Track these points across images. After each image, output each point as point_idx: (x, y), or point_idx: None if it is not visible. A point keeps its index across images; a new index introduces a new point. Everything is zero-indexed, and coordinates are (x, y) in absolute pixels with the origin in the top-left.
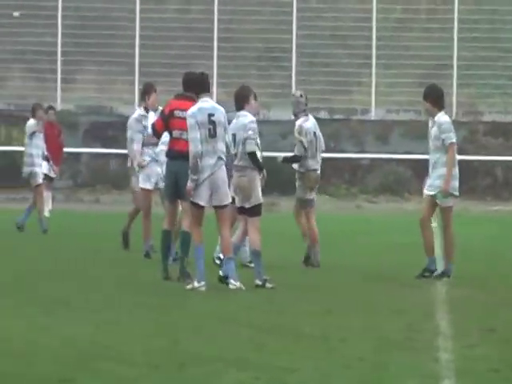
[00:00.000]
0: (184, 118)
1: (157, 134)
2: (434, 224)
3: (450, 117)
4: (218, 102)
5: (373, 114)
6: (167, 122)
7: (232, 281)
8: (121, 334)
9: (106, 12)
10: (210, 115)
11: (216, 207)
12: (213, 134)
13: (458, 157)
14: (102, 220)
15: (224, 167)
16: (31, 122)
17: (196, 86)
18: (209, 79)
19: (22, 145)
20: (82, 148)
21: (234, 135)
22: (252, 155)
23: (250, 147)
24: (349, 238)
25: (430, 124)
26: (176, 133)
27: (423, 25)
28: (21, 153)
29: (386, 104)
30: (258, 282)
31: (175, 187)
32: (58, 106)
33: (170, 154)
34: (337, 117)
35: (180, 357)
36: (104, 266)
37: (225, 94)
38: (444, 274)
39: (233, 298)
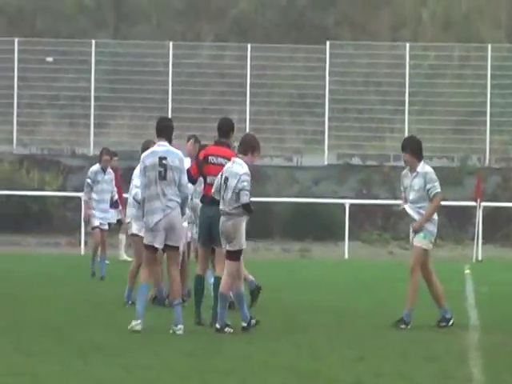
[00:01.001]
0: (218, 164)
1: (192, 179)
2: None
3: (483, 162)
4: None
5: None
6: (202, 167)
7: (179, 326)
8: (151, 379)
9: (140, 57)
10: (162, 158)
11: (167, 247)
12: (163, 177)
13: (492, 203)
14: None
15: (178, 209)
16: (96, 167)
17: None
18: (168, 123)
19: (55, 189)
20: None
21: (226, 179)
22: (246, 206)
23: (245, 199)
24: (382, 284)
25: (409, 175)
26: (210, 178)
27: (456, 71)
28: (53, 198)
29: None
30: (218, 326)
31: (209, 233)
32: (91, 151)
33: (205, 199)
34: (369, 163)
35: None
36: (129, 310)
37: (258, 139)
38: (402, 320)
39: (262, 342)
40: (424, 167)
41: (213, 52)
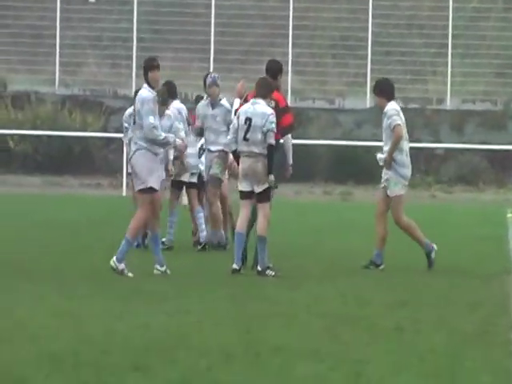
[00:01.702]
0: (272, 108)
1: None
2: (510, 215)
3: None
4: (293, 90)
5: (448, 104)
6: None
7: (115, 259)
8: (192, 323)
9: None
10: (133, 105)
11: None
12: (133, 122)
13: None
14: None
15: (142, 152)
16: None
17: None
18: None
19: (97, 130)
20: None
21: (249, 120)
22: (272, 148)
23: (272, 140)
24: (423, 228)
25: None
26: None
27: (500, 14)
28: (95, 139)
29: (461, 94)
30: (259, 268)
31: None
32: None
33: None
34: (412, 106)
35: (253, 346)
36: (171, 256)
37: (300, 81)
38: (372, 263)
39: (306, 287)
40: (388, 106)
41: None
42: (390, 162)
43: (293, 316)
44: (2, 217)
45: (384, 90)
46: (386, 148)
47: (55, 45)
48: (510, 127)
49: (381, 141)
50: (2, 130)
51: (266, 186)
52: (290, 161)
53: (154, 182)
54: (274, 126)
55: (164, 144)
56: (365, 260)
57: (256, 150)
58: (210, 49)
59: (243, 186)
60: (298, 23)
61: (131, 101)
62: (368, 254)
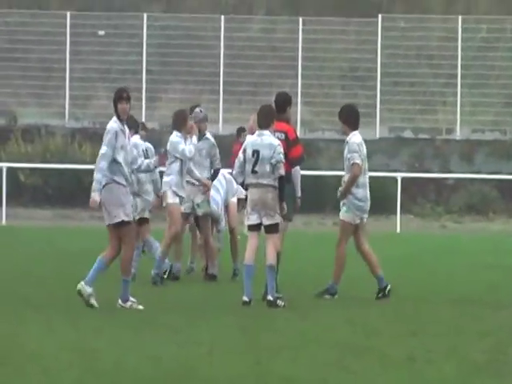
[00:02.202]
0: (282, 140)
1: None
2: None
3: None
4: (302, 121)
5: (458, 134)
6: None
7: (120, 301)
8: (203, 355)
9: (191, 31)
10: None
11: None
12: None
13: None
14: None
15: (110, 186)
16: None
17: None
18: None
19: None
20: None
21: (256, 152)
22: (282, 179)
23: (282, 171)
24: (434, 257)
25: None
26: None
27: (509, 44)
28: None
29: (471, 123)
30: (270, 298)
31: None
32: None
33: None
34: (422, 136)
35: (263, 377)
36: (183, 286)
37: (309, 112)
38: (327, 291)
39: (315, 318)
40: (351, 137)
41: (264, 25)
42: (345, 195)
43: (302, 347)
44: (13, 248)
45: (348, 119)
46: (345, 178)
47: (65, 78)
48: None
49: (391, 171)
50: (13, 164)
51: (275, 220)
52: (299, 193)
53: (125, 215)
54: (282, 156)
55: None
56: (373, 289)
57: (264, 181)
58: (219, 81)
59: (252, 220)
60: (306, 54)
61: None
62: (376, 284)
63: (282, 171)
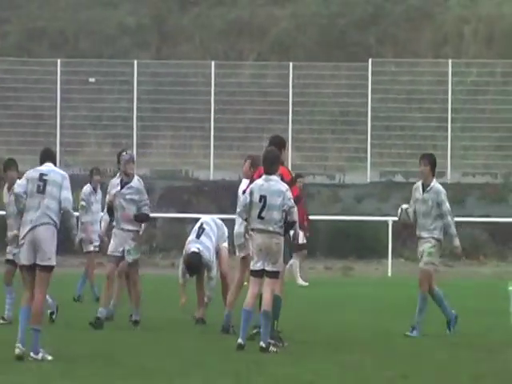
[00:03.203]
0: None
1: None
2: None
3: None
4: (293, 166)
5: (448, 177)
6: None
7: (32, 354)
8: None
9: (182, 77)
10: (43, 174)
11: (37, 267)
12: (41, 190)
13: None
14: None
15: (50, 226)
16: (88, 188)
17: None
18: (52, 151)
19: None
20: (158, 213)
21: (264, 198)
22: (294, 224)
23: (295, 217)
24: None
25: None
26: None
27: (499, 87)
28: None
29: (461, 167)
30: (263, 345)
31: None
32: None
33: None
34: (412, 180)
35: None
36: (178, 331)
37: (300, 157)
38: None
39: (307, 363)
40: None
41: (255, 71)
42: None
43: None
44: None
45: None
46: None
47: (56, 125)
48: (511, 200)
49: (382, 215)
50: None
51: (278, 267)
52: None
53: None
54: (293, 201)
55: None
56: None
57: (270, 228)
58: (210, 126)
59: (256, 265)
60: (297, 99)
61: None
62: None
63: (296, 217)
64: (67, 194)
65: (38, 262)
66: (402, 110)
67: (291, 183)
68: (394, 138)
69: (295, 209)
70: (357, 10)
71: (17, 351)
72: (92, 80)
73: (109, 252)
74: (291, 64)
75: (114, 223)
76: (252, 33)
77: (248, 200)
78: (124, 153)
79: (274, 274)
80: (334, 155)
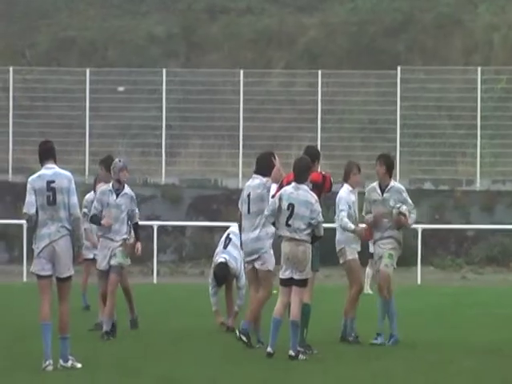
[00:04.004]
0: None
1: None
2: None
3: None
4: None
5: (478, 185)
6: None
7: (61, 361)
8: None
9: (210, 85)
10: (50, 182)
11: (57, 279)
12: (52, 202)
13: None
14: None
15: (67, 237)
16: (91, 195)
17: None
18: (50, 144)
19: None
20: (187, 221)
21: (292, 206)
22: (319, 239)
23: (322, 232)
24: (455, 309)
25: None
26: None
27: None
28: None
29: (491, 174)
30: (292, 353)
31: None
32: (163, 180)
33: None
34: (442, 188)
35: None
36: (203, 341)
37: (329, 166)
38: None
39: (337, 371)
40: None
41: (283, 79)
42: None
43: None
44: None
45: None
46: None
47: (85, 134)
48: None
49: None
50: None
51: (305, 275)
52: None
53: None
54: (321, 217)
55: None
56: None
57: (297, 236)
58: (238, 135)
59: (284, 274)
60: (326, 107)
61: (162, 188)
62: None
63: (322, 232)
64: (74, 199)
65: (59, 276)
66: (431, 118)
67: (323, 182)
68: (424, 146)
69: (321, 225)
70: (386, 17)
71: (49, 368)
72: (121, 89)
73: (99, 267)
74: (320, 72)
75: (100, 233)
76: (281, 41)
77: (277, 205)
78: (117, 160)
79: (302, 283)
80: (363, 163)
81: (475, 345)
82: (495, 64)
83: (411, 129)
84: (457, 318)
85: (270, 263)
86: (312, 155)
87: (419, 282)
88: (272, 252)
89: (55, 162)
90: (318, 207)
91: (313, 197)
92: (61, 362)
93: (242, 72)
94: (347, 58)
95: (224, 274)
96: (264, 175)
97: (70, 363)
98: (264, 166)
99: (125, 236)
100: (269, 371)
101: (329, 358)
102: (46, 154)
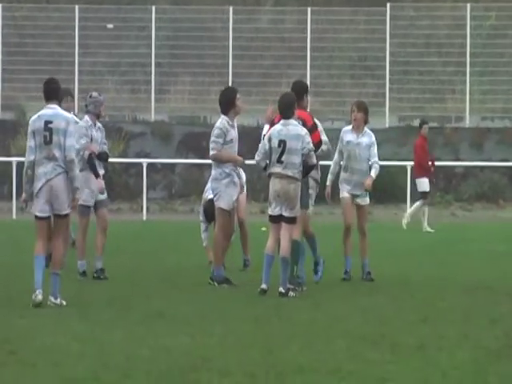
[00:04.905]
0: None
1: None
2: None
3: None
4: (311, 111)
5: (467, 122)
6: None
7: (52, 298)
8: (215, 345)
9: (200, 23)
10: (47, 122)
11: (55, 216)
12: (48, 141)
13: None
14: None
15: (64, 175)
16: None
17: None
18: (56, 85)
19: (117, 156)
20: (177, 159)
21: (283, 142)
22: (312, 168)
23: (314, 160)
24: (445, 246)
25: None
26: None
27: None
28: (114, 164)
29: (480, 111)
30: (282, 290)
31: None
32: (152, 117)
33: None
34: (431, 125)
35: (275, 366)
36: (194, 279)
37: (318, 103)
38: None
39: (327, 307)
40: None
41: (273, 16)
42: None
43: (314, 336)
44: (19, 243)
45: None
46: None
47: (74, 71)
48: None
49: (400, 160)
50: (22, 158)
51: (295, 213)
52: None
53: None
54: (311, 145)
55: None
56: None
57: (290, 173)
58: (228, 72)
59: (273, 210)
60: (315, 45)
61: (151, 125)
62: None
63: (314, 160)
64: (71, 141)
65: (57, 213)
66: (420, 55)
67: (313, 129)
68: (413, 83)
69: (313, 153)
70: None
71: (39, 297)
72: (110, 26)
73: (85, 202)
74: (309, 9)
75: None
76: None
77: (267, 146)
78: (97, 94)
79: (292, 220)
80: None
81: (465, 282)
82: (484, 1)
83: (400, 66)
84: (447, 256)
85: (222, 202)
86: (300, 89)
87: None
88: (229, 191)
89: (59, 103)
90: (307, 138)
91: (302, 129)
92: (51, 298)
93: (231, 9)
94: None
95: (214, 211)
96: (223, 113)
97: (59, 300)
98: (222, 103)
99: (102, 170)
100: (259, 308)
101: (318, 295)
102: (49, 94)
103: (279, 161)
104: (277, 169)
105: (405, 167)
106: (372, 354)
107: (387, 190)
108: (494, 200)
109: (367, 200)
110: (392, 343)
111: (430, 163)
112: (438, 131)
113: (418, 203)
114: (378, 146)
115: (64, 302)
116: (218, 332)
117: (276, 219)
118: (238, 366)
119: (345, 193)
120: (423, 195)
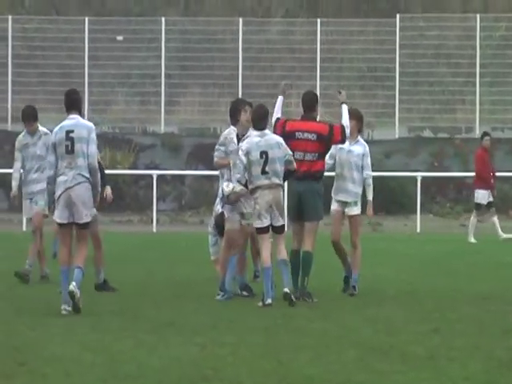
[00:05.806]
0: (305, 140)
1: None
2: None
3: None
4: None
5: (477, 132)
6: (289, 143)
7: (74, 283)
8: (226, 356)
9: (209, 34)
10: (69, 132)
11: (75, 225)
12: (70, 151)
13: None
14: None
15: (84, 185)
16: None
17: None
18: (77, 96)
19: (127, 167)
20: (186, 170)
21: (265, 153)
22: (293, 174)
23: (295, 165)
24: (454, 256)
25: None
26: (298, 154)
27: None
28: (124, 176)
29: (490, 122)
30: (286, 291)
31: (299, 207)
32: (162, 128)
33: (295, 175)
34: (441, 135)
35: (286, 377)
36: (207, 288)
37: (328, 114)
38: None
39: (337, 317)
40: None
41: (283, 27)
42: None
43: (324, 346)
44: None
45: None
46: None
47: (84, 83)
48: None
49: (411, 171)
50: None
51: (282, 221)
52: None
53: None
54: (289, 150)
55: None
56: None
57: (277, 180)
58: (237, 83)
59: (262, 222)
60: (325, 56)
61: (161, 137)
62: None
63: (295, 166)
64: (93, 148)
65: (77, 221)
66: (430, 66)
67: (329, 135)
68: (423, 94)
69: (293, 158)
70: None
71: (63, 313)
72: (120, 38)
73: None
74: (319, 20)
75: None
76: None
77: (245, 162)
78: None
79: (283, 229)
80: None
81: (476, 292)
82: (494, 11)
83: (410, 77)
84: (456, 266)
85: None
86: (311, 100)
87: (418, 229)
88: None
89: (80, 113)
90: (284, 143)
91: (277, 136)
92: (73, 283)
93: (241, 20)
94: (346, 6)
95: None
96: (231, 124)
97: (79, 293)
98: (230, 115)
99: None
100: (269, 319)
101: (328, 305)
102: (69, 105)
103: (264, 172)
104: (264, 181)
105: (414, 178)
106: (382, 365)
107: (397, 200)
108: (503, 211)
109: (357, 210)
110: (402, 354)
111: (491, 174)
112: (447, 142)
113: (471, 218)
114: (387, 156)
115: (79, 294)
116: (229, 342)
117: (265, 230)
118: (248, 377)
119: (335, 204)
120: (477, 207)
